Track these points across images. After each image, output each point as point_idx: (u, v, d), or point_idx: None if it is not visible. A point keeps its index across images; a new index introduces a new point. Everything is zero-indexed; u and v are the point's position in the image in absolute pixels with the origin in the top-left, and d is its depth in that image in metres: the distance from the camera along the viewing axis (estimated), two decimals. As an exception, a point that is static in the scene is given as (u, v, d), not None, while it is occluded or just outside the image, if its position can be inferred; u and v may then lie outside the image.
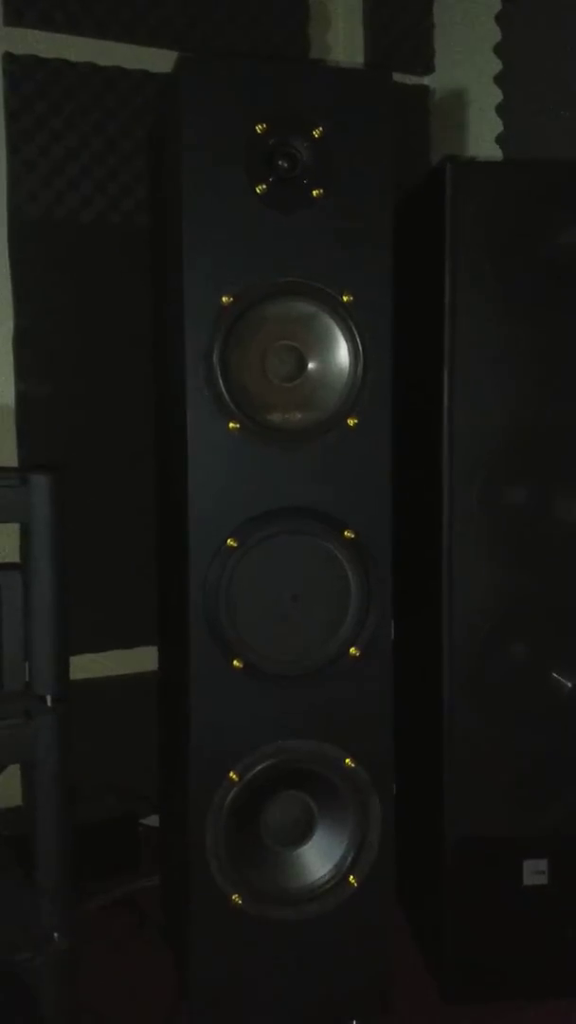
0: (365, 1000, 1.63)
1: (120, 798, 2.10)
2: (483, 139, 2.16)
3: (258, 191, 1.46)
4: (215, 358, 1.46)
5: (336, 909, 1.59)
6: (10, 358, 2.06)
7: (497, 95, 2.08)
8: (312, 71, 1.81)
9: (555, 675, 1.66)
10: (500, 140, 2.07)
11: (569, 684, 1.65)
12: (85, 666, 2.10)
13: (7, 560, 1.64)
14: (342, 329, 1.50)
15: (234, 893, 1.54)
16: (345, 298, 1.49)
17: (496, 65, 2.08)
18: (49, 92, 2.04)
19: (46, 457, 2.04)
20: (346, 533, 1.53)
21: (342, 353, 1.51)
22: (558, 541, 1.64)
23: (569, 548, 1.64)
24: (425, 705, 1.71)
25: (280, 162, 1.46)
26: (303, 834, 1.60)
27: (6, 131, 2.03)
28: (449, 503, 1.61)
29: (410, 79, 2.36)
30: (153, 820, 2.10)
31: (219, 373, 1.46)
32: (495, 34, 2.08)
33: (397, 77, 2.25)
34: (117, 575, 2.14)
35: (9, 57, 2.01)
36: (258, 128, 1.45)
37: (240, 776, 1.53)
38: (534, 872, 1.67)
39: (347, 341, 1.50)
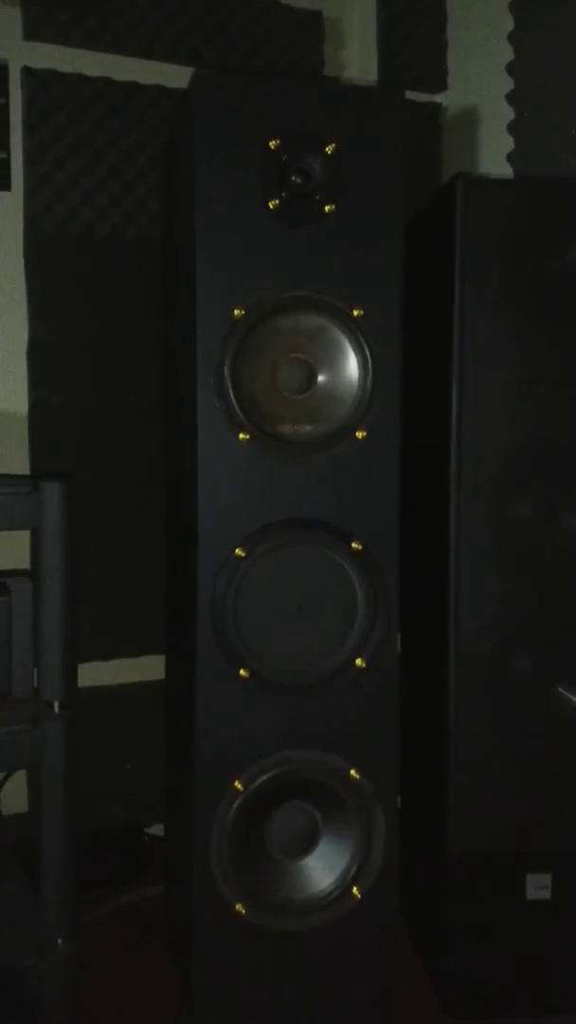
0: (367, 1012, 1.63)
1: (126, 806, 2.11)
2: (494, 157, 2.18)
3: (271, 206, 1.48)
4: (226, 370, 1.48)
5: (339, 920, 1.59)
6: (24, 368, 2.09)
7: (509, 113, 2.10)
8: (325, 88, 1.82)
9: (560, 689, 1.66)
10: (511, 158, 2.09)
11: (574, 699, 1.65)
12: (93, 674, 2.11)
13: (17, 567, 1.65)
14: (352, 343, 1.51)
15: (238, 903, 1.54)
16: (355, 312, 1.51)
17: (508, 84, 2.10)
18: (66, 106, 2.07)
19: (58, 465, 2.06)
20: (353, 545, 1.54)
21: (352, 366, 1.52)
22: (565, 555, 1.64)
23: (575, 560, 1.64)
24: (430, 717, 1.71)
25: (293, 178, 1.48)
26: (307, 845, 1.60)
27: (23, 144, 2.05)
28: (456, 516, 1.62)
29: (423, 96, 2.38)
30: (158, 829, 2.10)
31: (230, 384, 1.48)
32: (508, 53, 2.10)
33: (410, 94, 2.26)
34: (126, 583, 2.16)
35: (27, 71, 2.04)
36: (271, 144, 1.47)
37: (245, 786, 1.53)
38: (537, 887, 1.66)
39: (357, 354, 1.52)
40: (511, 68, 2.09)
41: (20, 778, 2.02)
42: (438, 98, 2.40)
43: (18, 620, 1.46)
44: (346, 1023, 1.62)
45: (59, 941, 1.46)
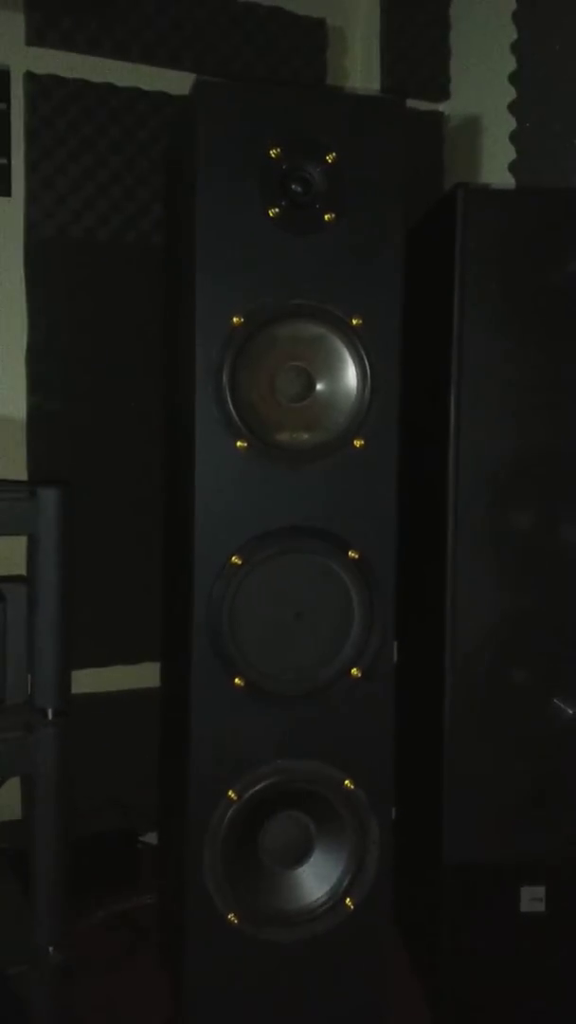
0: (359, 1024, 1.62)
1: (120, 814, 2.10)
2: (496, 166, 2.18)
3: (271, 214, 1.48)
4: (225, 377, 1.47)
5: (333, 932, 1.58)
6: (23, 372, 2.08)
7: (511, 123, 2.10)
8: (327, 97, 1.83)
9: (556, 701, 1.65)
10: (513, 168, 2.09)
11: (570, 710, 1.65)
12: (88, 680, 2.11)
13: (13, 573, 1.64)
14: (351, 351, 1.51)
15: (230, 913, 1.54)
16: (354, 321, 1.51)
17: (510, 93, 2.10)
18: (68, 111, 2.07)
19: (56, 471, 2.06)
20: (351, 554, 1.54)
21: (350, 375, 1.52)
22: (562, 565, 1.63)
23: (573, 572, 1.64)
24: (425, 728, 1.71)
25: (293, 186, 1.48)
26: (301, 855, 1.60)
27: (25, 149, 2.05)
28: (454, 525, 1.61)
29: (425, 105, 2.38)
30: (153, 837, 2.10)
31: (228, 392, 1.48)
32: (510, 63, 2.10)
33: (412, 103, 2.27)
34: (123, 590, 2.15)
35: (30, 76, 2.04)
36: (272, 152, 1.47)
37: (239, 795, 1.53)
38: (532, 899, 1.66)
39: (355, 363, 1.51)
40: (513, 78, 2.10)
41: (14, 785, 2.02)
42: (440, 107, 2.40)
43: (12, 626, 1.46)
44: (338, 1035, 1.62)
45: (51, 949, 1.45)
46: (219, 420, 1.49)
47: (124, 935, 1.92)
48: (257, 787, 1.53)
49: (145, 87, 2.14)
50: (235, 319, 1.48)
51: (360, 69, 2.43)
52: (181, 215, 1.65)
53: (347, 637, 1.55)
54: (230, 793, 1.52)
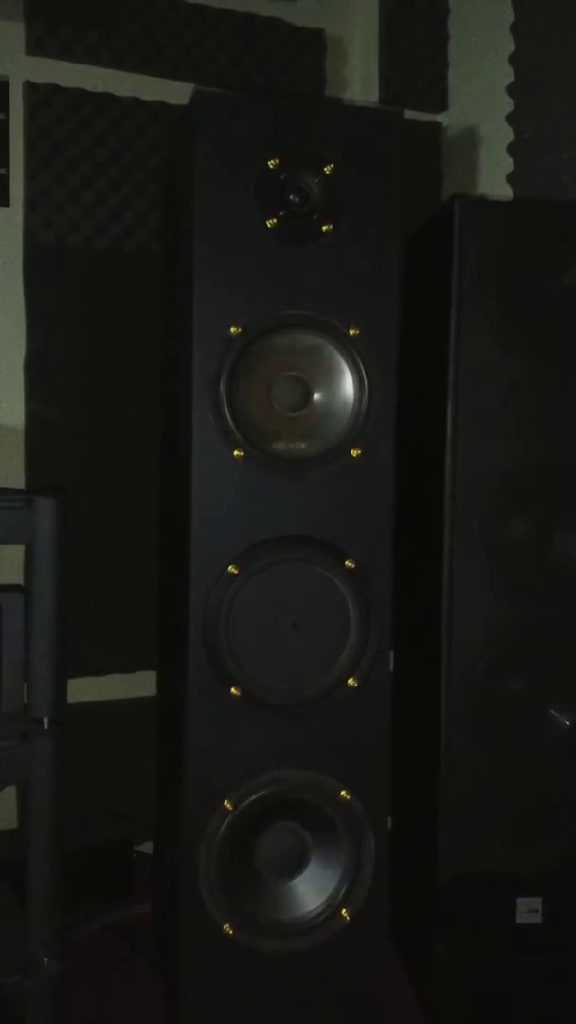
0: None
1: (116, 823, 2.09)
2: (494, 177, 2.18)
3: (269, 225, 1.48)
4: (222, 387, 1.47)
5: (328, 942, 1.58)
6: (21, 381, 2.08)
7: (508, 134, 2.10)
8: (325, 108, 1.83)
9: (553, 712, 1.65)
10: (511, 179, 2.10)
11: (567, 721, 1.64)
12: (84, 689, 2.10)
13: (10, 582, 1.64)
14: (348, 361, 1.52)
15: (225, 923, 1.53)
16: (351, 331, 1.51)
17: (508, 105, 2.11)
18: (67, 121, 2.08)
19: (53, 479, 2.06)
20: (347, 563, 1.54)
21: (347, 385, 1.52)
22: (558, 575, 1.63)
23: (569, 583, 1.64)
24: (422, 738, 1.70)
25: (291, 197, 1.49)
26: (296, 865, 1.59)
27: (24, 158, 2.06)
28: (450, 535, 1.62)
29: (423, 116, 2.39)
30: (148, 846, 2.09)
31: (225, 401, 1.48)
32: (508, 74, 2.11)
33: (410, 114, 2.28)
34: (119, 599, 2.15)
35: (29, 86, 2.05)
36: (270, 163, 1.48)
37: (234, 805, 1.52)
38: (528, 910, 1.65)
39: (352, 373, 1.52)
40: (511, 89, 2.10)
41: (9, 794, 2.01)
42: (438, 118, 2.41)
43: (9, 635, 1.45)
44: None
45: (46, 959, 1.44)
46: (216, 429, 1.49)
47: (119, 945, 1.91)
48: (253, 797, 1.53)
49: (144, 97, 2.15)
50: (232, 329, 1.48)
51: (358, 80, 2.43)
52: (179, 224, 1.65)
53: (343, 647, 1.54)
54: (226, 803, 1.52)
